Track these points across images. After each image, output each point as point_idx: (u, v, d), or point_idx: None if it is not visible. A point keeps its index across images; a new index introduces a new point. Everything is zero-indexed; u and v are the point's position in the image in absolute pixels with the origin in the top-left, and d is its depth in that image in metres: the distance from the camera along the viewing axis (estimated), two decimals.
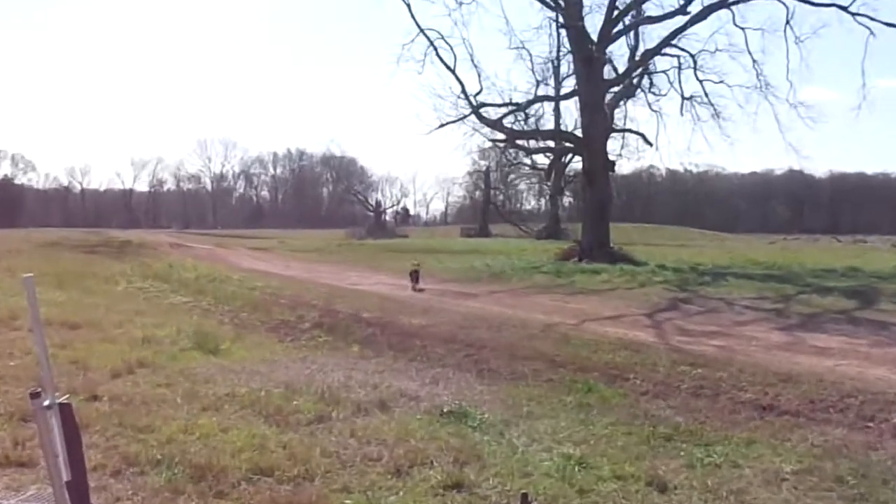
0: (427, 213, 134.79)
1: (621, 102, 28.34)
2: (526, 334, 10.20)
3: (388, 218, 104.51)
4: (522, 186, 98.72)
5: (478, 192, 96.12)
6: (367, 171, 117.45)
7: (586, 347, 9.16)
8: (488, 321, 11.34)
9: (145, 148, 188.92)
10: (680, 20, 25.25)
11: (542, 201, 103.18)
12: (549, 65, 30.69)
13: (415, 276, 19.07)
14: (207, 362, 7.84)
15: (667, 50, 26.27)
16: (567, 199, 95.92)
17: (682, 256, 29.05)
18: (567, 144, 31.27)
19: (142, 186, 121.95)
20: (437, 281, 19.08)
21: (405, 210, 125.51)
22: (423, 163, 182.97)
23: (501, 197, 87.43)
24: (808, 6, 23.99)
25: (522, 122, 28.81)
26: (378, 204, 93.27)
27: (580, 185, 31.80)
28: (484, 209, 73.43)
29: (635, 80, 27.75)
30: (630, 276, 19.70)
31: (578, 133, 28.71)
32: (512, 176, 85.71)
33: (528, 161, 55.36)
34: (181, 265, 23.33)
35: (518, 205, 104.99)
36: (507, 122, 27.95)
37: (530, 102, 28.72)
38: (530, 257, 28.62)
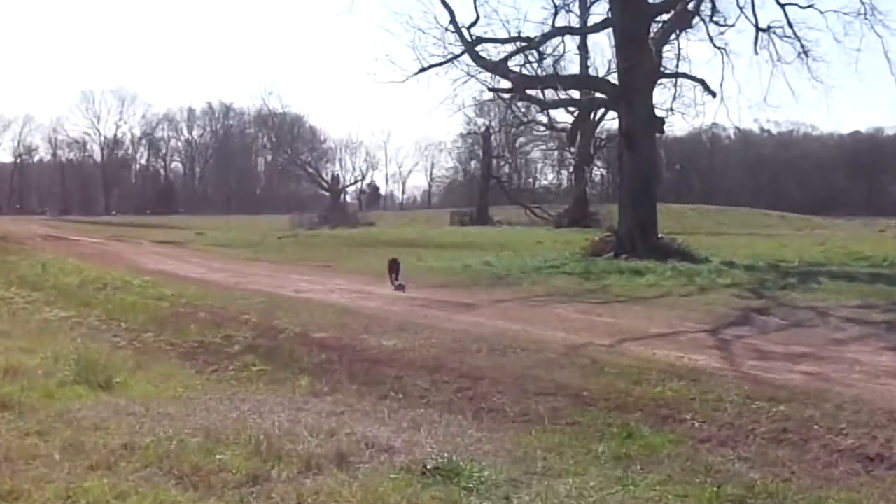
0: (404, 192, 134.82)
1: (672, 37, 28.45)
2: (541, 360, 10.33)
3: (349, 199, 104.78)
4: (536, 154, 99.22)
5: (474, 163, 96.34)
6: (319, 133, 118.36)
7: (625, 377, 9.29)
8: (489, 342, 11.46)
9: (7, 103, 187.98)
10: None
11: (564, 175, 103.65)
12: None
13: (394, 268, 19.81)
14: (96, 401, 7.87)
15: None
16: (598, 172, 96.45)
17: (757, 249, 29.28)
18: (598, 95, 31.32)
19: (3, 156, 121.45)
20: (418, 286, 19.19)
21: (373, 188, 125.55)
22: (398, 123, 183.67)
23: (507, 169, 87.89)
24: None
25: (535, 65, 28.88)
26: (335, 180, 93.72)
27: (616, 151, 31.93)
28: (483, 186, 73.85)
29: (691, 6, 27.79)
30: (686, 277, 19.79)
31: (613, 79, 28.80)
32: (521, 140, 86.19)
33: (543, 119, 55.61)
34: (59, 267, 23.23)
35: (530, 180, 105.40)
36: (513, 64, 28.03)
37: (546, 37, 28.76)
38: (548, 253, 28.84)
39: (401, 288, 18.70)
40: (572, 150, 65.03)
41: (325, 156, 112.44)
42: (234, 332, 12.31)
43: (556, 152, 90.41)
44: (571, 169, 74.92)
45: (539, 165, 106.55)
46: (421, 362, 10.26)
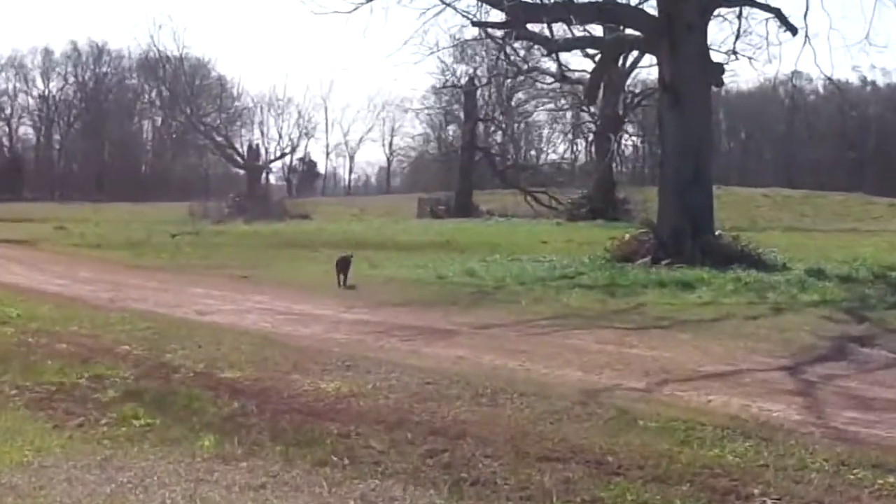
0: (351, 170, 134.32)
1: None
2: (547, 410, 10.36)
3: (273, 181, 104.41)
4: (541, 117, 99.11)
5: (452, 129, 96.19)
6: (229, 86, 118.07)
7: (667, 435, 9.34)
8: (473, 385, 11.52)
9: None
10: None
11: (581, 146, 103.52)
12: None
13: (343, 267, 22.13)
14: None
15: None
16: (629, 142, 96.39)
17: (858, 252, 29.29)
18: (628, 32, 31.37)
19: None
20: (372, 305, 19.37)
21: (308, 165, 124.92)
22: (344, 74, 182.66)
23: (500, 138, 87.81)
24: None
25: None
26: (254, 152, 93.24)
27: (656, 113, 31.98)
28: (465, 162, 73.99)
29: None
30: (754, 292, 19.87)
31: (651, 8, 28.81)
32: (520, 97, 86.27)
33: (551, 66, 55.60)
34: None
35: (533, 154, 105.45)
36: None
37: None
38: (558, 257, 28.92)
39: (352, 288, 19.41)
40: (592, 110, 65.28)
41: (239, 119, 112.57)
42: (107, 371, 12.20)
43: (568, 114, 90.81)
44: (591, 138, 75.04)
45: (545, 133, 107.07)
46: (375, 414, 10.23)
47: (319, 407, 10.62)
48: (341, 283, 22.20)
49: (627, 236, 28.70)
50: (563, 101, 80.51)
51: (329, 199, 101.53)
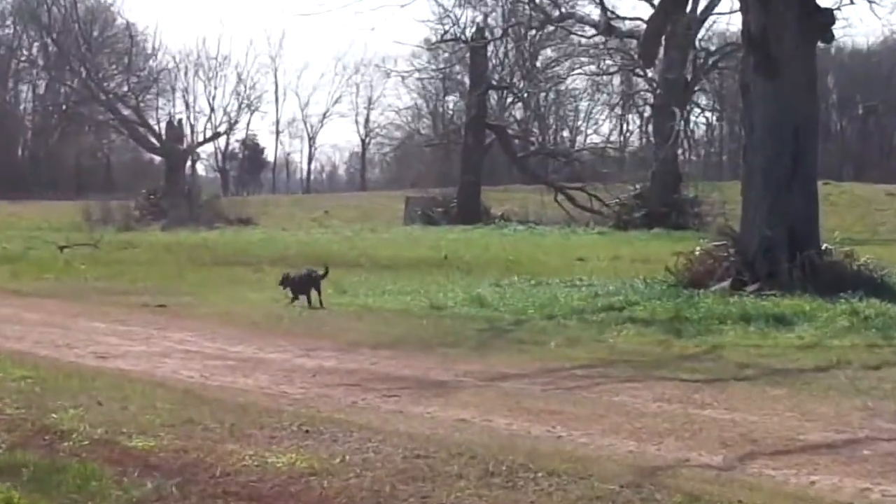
0: (312, 157, 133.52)
1: None
2: (586, 496, 10.19)
3: (202, 171, 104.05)
4: (578, 84, 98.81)
5: (452, 101, 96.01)
6: (141, 38, 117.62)
7: None
8: (481, 459, 11.34)
9: None
10: None
11: (633, 125, 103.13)
12: None
13: (296, 282, 23.53)
14: None
15: None
16: (699, 120, 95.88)
17: None
18: None
19: None
20: (341, 346, 19.37)
21: (251, 149, 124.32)
22: (301, 23, 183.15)
23: (519, 113, 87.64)
24: None
25: None
26: (175, 131, 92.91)
27: (739, 79, 32.05)
28: (471, 147, 73.19)
29: None
30: (877, 329, 19.96)
31: None
32: (548, 55, 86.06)
33: (591, 13, 55.88)
34: None
35: (565, 136, 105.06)
36: None
37: None
38: (600, 280, 29.08)
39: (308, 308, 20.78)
40: (650, 75, 65.34)
41: (155, 84, 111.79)
42: None
43: (616, 80, 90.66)
44: (648, 113, 75.02)
45: (584, 106, 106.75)
46: (345, 499, 10.12)
47: (265, 490, 10.45)
48: (307, 300, 23.51)
49: (698, 251, 28.59)
50: (608, 62, 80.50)
51: (281, 197, 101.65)
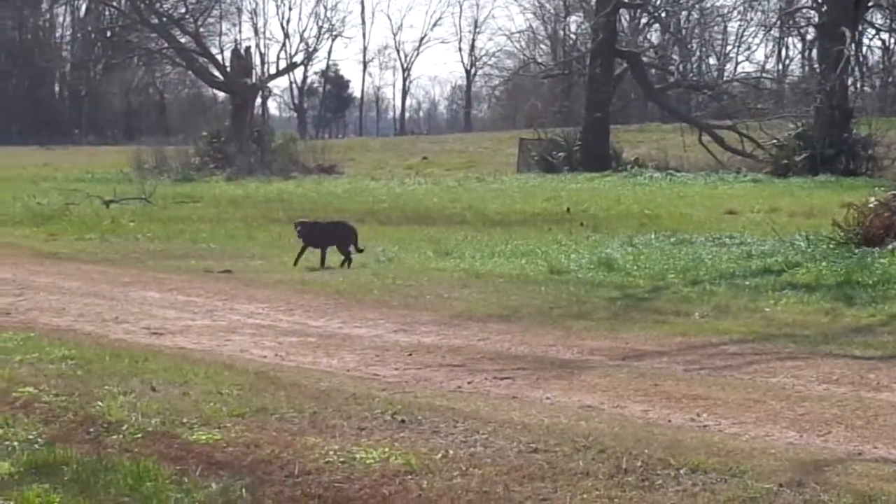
0: (406, 93, 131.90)
1: None
2: (738, 497, 9.93)
3: (274, 111, 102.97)
4: (726, 1, 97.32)
5: (577, 23, 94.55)
6: None
7: None
8: (611, 454, 10.97)
9: None
10: None
11: (793, 50, 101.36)
12: None
13: (310, 233, 24.50)
14: None
15: None
16: (875, 43, 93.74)
17: None
18: None
19: None
20: (442, 319, 19.42)
21: (335, 83, 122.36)
22: None
23: (656, 37, 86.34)
24: None
25: None
26: (243, 61, 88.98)
27: None
28: (598, 80, 71.65)
29: None
30: None
31: None
32: None
33: None
34: None
35: (712, 63, 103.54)
36: None
37: None
38: (754, 237, 29.30)
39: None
40: None
41: (217, 5, 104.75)
42: None
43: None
44: (812, 35, 73.11)
45: (734, 28, 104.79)
46: (448, 503, 9.79)
47: (353, 491, 10.08)
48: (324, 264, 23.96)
49: (873, 202, 27.60)
50: None
51: (370, 140, 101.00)
